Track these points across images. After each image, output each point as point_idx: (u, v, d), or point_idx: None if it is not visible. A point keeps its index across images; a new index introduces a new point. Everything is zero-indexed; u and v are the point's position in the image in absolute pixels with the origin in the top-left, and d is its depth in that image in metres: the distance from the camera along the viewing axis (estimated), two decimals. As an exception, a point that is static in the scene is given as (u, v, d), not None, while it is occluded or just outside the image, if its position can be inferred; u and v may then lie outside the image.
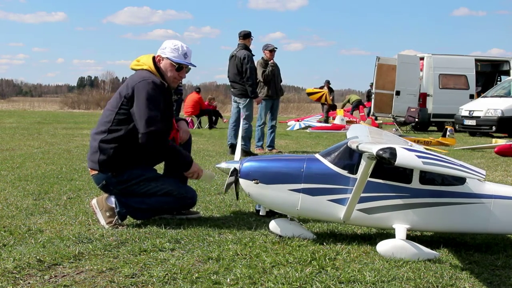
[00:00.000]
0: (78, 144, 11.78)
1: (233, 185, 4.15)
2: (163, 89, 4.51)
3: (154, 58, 4.65)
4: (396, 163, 3.08)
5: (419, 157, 3.10)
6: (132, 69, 4.70)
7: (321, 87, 25.75)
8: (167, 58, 4.61)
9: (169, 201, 4.53)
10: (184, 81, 19.32)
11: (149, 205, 4.49)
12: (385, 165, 3.73)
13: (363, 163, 3.72)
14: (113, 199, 4.44)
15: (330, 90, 25.89)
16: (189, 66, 4.76)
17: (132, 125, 4.41)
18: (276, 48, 11.48)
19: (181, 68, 4.67)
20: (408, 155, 3.11)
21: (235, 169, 4.07)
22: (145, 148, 4.40)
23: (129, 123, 4.42)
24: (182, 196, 4.55)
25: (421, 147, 4.07)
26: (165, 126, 4.47)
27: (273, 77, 11.29)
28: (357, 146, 3.57)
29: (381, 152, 3.16)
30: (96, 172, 4.48)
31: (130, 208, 4.44)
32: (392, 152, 3.11)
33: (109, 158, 4.40)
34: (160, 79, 4.55)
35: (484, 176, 3.13)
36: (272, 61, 11.35)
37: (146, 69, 4.57)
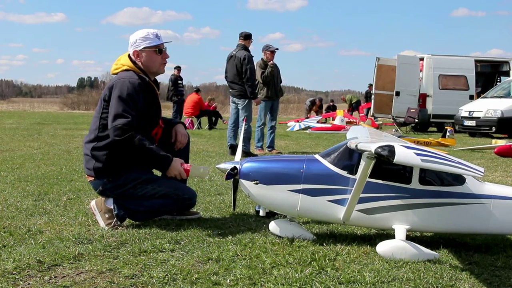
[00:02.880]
0: (78, 145, 11.77)
1: (232, 194, 4.22)
2: (141, 87, 4.40)
3: (129, 56, 4.58)
4: (394, 160, 3.09)
5: (418, 154, 3.11)
6: (113, 73, 4.65)
7: (312, 103, 27.25)
8: (144, 48, 4.53)
9: (167, 203, 4.51)
10: (183, 81, 19.34)
11: (147, 207, 4.47)
12: (384, 164, 3.73)
13: (362, 163, 3.71)
14: (112, 201, 4.44)
15: (320, 106, 27.73)
16: (166, 44, 4.66)
17: None
18: (277, 49, 11.48)
19: (161, 50, 4.59)
20: (406, 152, 3.11)
21: (235, 167, 4.07)
22: (117, 145, 4.27)
23: None
24: (179, 197, 4.52)
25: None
26: (136, 123, 4.26)
27: (272, 78, 11.29)
28: (356, 146, 3.57)
29: (379, 150, 3.16)
30: (93, 178, 4.48)
31: (128, 210, 4.43)
32: (391, 150, 3.11)
33: (103, 165, 4.39)
34: (142, 74, 4.50)
35: (482, 174, 3.13)
36: (271, 62, 11.34)
37: (125, 69, 4.53)
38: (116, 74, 4.59)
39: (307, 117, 25.64)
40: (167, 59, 4.69)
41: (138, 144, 4.23)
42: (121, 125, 4.19)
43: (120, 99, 4.27)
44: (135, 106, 4.31)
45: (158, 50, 4.57)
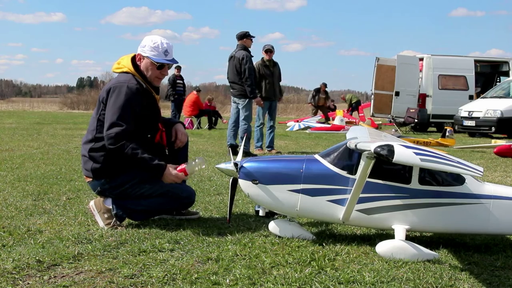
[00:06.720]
0: (77, 145, 11.75)
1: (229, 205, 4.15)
2: (139, 91, 4.41)
3: (134, 57, 4.58)
4: (394, 160, 3.09)
5: (417, 154, 3.11)
6: (114, 71, 4.65)
7: (317, 90, 26.10)
8: (147, 57, 4.52)
9: (165, 201, 4.50)
10: (184, 81, 19.34)
11: (145, 206, 4.47)
12: (383, 164, 3.73)
13: (362, 163, 3.71)
14: (110, 201, 4.44)
15: (326, 94, 26.35)
16: (171, 64, 4.64)
17: None
18: (270, 46, 11.35)
19: (162, 66, 4.57)
20: (405, 152, 3.11)
21: (235, 163, 4.05)
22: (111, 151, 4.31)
23: None
24: (177, 196, 4.50)
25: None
26: (132, 130, 4.29)
27: (271, 77, 11.24)
28: (355, 145, 3.58)
29: (379, 149, 3.16)
30: (91, 179, 4.48)
31: (126, 210, 4.43)
32: (390, 149, 3.11)
33: (101, 166, 4.39)
34: (141, 80, 4.50)
35: (481, 173, 3.13)
36: (266, 56, 11.22)
37: (125, 72, 4.53)
38: (116, 73, 4.61)
39: (316, 114, 24.95)
40: (164, 74, 4.65)
41: (131, 153, 4.27)
42: (114, 134, 4.24)
43: (116, 106, 4.28)
44: (132, 112, 4.31)
45: (159, 66, 4.55)
